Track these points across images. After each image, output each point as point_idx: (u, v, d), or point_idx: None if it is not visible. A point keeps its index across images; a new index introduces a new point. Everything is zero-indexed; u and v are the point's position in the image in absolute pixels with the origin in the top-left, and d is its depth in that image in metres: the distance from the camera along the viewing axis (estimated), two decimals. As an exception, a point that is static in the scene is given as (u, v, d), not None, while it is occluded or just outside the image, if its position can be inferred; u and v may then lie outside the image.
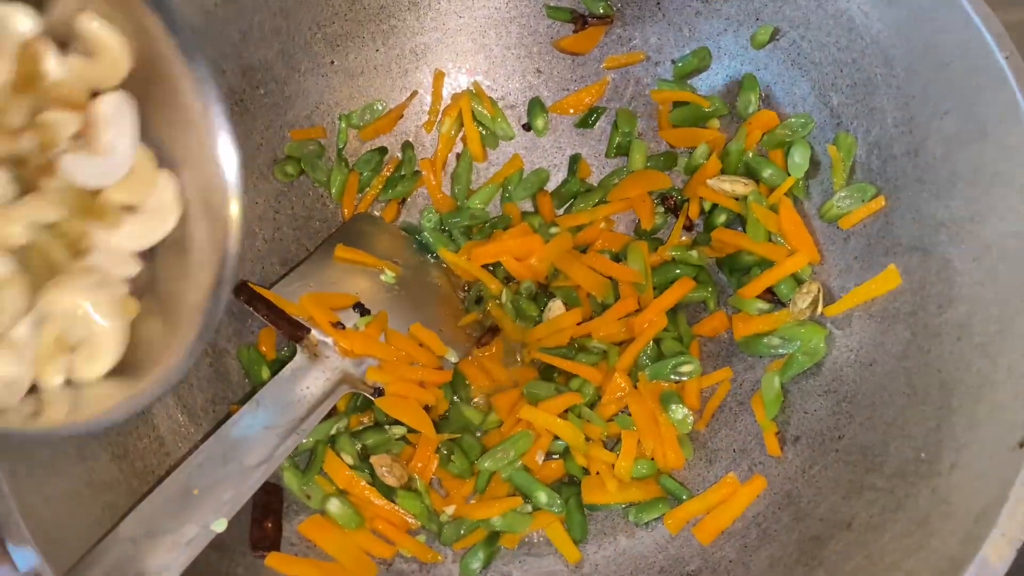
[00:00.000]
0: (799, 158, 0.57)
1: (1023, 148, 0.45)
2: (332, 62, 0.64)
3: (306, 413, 0.55)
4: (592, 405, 0.59)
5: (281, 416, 0.55)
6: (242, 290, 0.58)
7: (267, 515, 0.54)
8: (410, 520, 0.56)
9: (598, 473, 0.56)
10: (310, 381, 0.57)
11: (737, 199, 0.59)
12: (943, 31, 0.49)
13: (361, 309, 0.61)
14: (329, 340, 0.58)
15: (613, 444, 0.57)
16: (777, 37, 0.59)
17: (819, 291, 0.56)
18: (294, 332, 0.58)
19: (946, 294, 0.49)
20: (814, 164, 0.58)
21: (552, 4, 0.64)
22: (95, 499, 0.47)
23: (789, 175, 0.58)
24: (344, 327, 0.58)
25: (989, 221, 0.48)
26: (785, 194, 0.58)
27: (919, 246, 0.52)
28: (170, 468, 0.52)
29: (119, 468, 0.50)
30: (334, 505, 0.55)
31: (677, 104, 0.63)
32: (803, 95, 0.58)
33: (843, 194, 0.55)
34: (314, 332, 0.58)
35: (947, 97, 0.50)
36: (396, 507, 0.55)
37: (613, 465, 0.55)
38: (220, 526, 0.49)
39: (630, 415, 0.57)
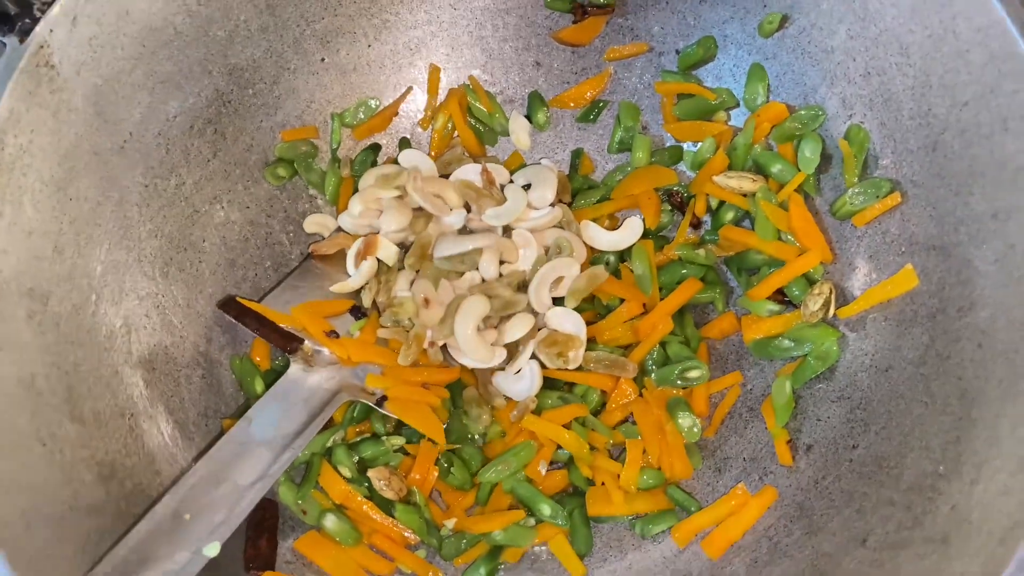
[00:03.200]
0: (810, 152, 0.54)
1: (1048, 142, 0.43)
2: (323, 59, 0.61)
3: (301, 427, 0.54)
4: (597, 412, 0.57)
5: (275, 431, 0.53)
6: (230, 305, 0.56)
7: (261, 532, 0.52)
8: (409, 535, 0.54)
9: (603, 484, 0.54)
10: (306, 393, 0.55)
11: (745, 196, 0.57)
12: (961, 16, 0.46)
13: (357, 313, 0.59)
14: (324, 350, 0.56)
15: (619, 453, 0.55)
16: (786, 25, 0.56)
17: (831, 292, 0.53)
18: (287, 344, 0.56)
19: (967, 296, 0.47)
20: (826, 158, 0.55)
21: (552, -7, 0.61)
22: (80, 524, 0.46)
23: (799, 170, 0.55)
24: (338, 335, 0.57)
25: (1012, 219, 0.45)
26: (795, 190, 0.55)
27: (938, 245, 0.49)
28: (161, 490, 0.51)
29: (106, 490, 0.48)
30: (331, 521, 0.53)
31: (682, 96, 0.60)
32: (813, 85, 0.55)
33: (856, 190, 0.53)
34: (308, 342, 0.56)
35: (966, 87, 0.47)
36: (395, 522, 0.54)
37: (618, 475, 0.53)
38: (213, 550, 0.47)
39: (635, 423, 0.55)
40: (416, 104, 0.64)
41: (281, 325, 0.56)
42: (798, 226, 0.54)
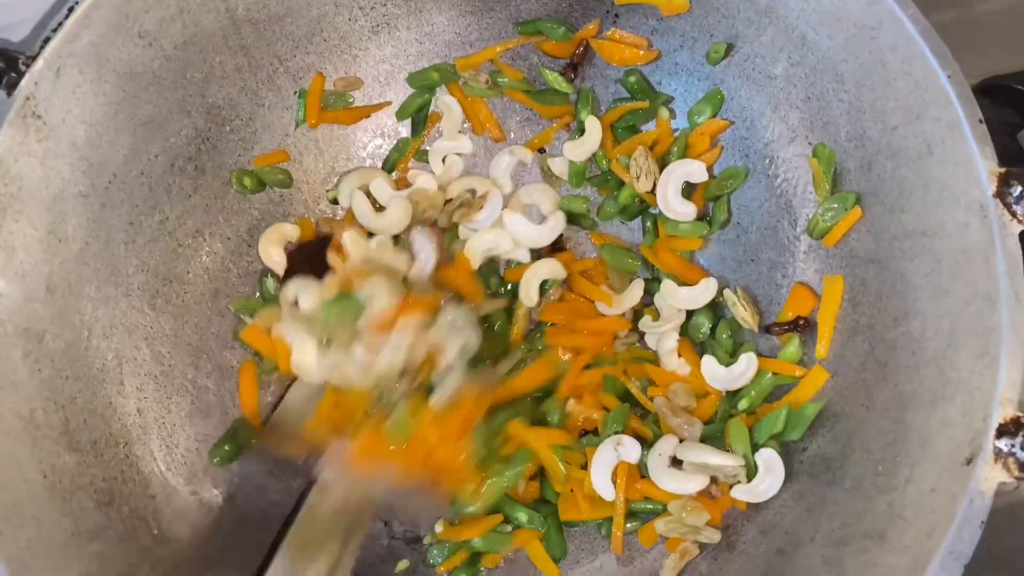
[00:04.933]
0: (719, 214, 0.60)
1: (967, 165, 0.46)
2: (296, 93, 0.64)
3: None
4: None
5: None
6: None
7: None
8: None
9: (572, 491, 0.57)
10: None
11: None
12: (888, 48, 0.50)
13: None
14: None
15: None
16: (732, 53, 0.59)
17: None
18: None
19: (901, 308, 0.51)
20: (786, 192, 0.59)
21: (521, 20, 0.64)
22: (83, 549, 0.49)
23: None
24: None
25: (939, 236, 0.48)
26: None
27: (875, 259, 0.53)
28: (156, 513, 0.54)
29: (105, 515, 0.51)
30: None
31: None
32: (760, 109, 0.59)
33: (828, 205, 0.55)
34: None
35: (895, 113, 0.51)
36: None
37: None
38: None
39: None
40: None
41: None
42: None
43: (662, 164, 0.61)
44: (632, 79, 0.63)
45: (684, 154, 0.60)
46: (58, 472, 0.50)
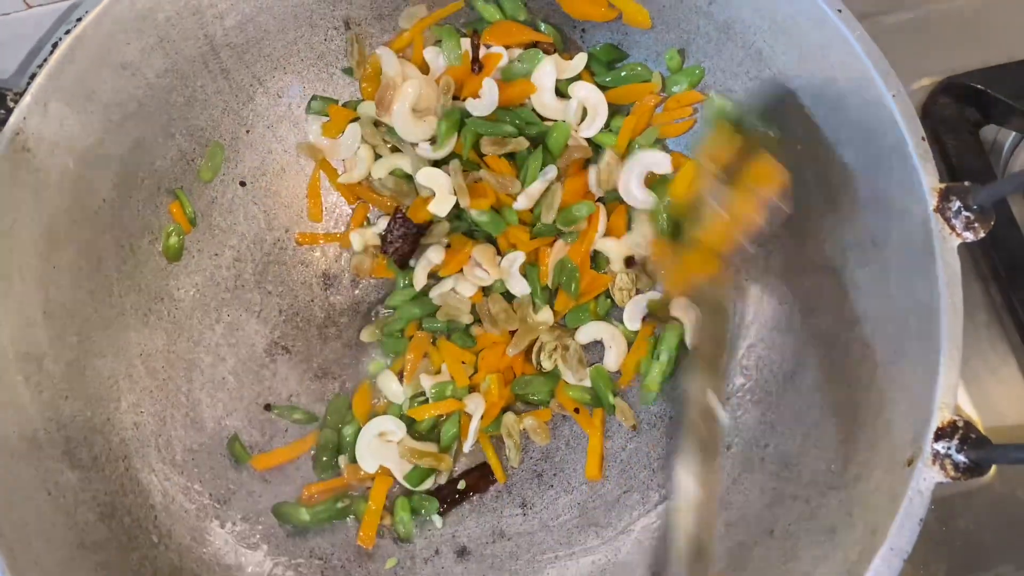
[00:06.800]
0: None
1: (910, 180, 0.49)
2: (277, 112, 0.66)
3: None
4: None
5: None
6: None
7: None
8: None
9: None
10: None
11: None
12: (838, 66, 0.52)
13: None
14: None
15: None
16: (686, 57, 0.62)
17: None
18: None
19: (854, 313, 0.53)
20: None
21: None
22: (87, 561, 0.52)
23: None
24: None
25: (887, 246, 0.51)
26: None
27: (830, 266, 0.56)
28: (156, 522, 0.57)
29: (108, 527, 0.54)
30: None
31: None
32: (721, 119, 0.61)
33: None
34: None
35: (845, 127, 0.53)
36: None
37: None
38: None
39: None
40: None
41: None
42: None
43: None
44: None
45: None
46: (61, 489, 0.53)
